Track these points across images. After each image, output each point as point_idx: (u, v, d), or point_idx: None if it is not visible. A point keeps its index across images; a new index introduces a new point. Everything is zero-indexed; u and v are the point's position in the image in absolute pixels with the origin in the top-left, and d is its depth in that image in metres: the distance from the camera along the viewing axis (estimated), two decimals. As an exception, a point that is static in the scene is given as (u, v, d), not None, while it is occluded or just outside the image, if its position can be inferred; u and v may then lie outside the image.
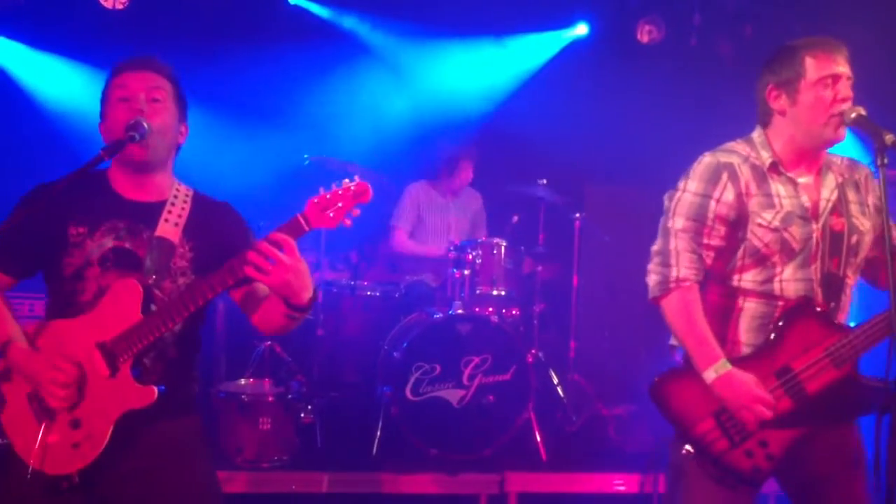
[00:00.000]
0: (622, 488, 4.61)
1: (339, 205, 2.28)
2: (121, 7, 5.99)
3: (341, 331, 5.64)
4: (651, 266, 2.79)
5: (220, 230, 2.57)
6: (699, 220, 2.72)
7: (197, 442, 2.58)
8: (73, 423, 2.35)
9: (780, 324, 2.66)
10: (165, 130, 2.48)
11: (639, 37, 6.75)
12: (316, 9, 6.54)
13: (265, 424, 4.53)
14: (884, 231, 2.65)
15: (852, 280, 2.76)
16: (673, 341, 2.83)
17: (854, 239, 2.72)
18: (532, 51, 6.92)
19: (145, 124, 2.39)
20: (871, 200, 2.79)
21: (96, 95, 2.53)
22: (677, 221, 2.74)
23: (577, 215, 5.87)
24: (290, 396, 4.70)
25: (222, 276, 2.32)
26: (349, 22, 6.62)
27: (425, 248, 6.06)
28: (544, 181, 5.89)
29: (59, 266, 2.44)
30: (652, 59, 6.66)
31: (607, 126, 6.52)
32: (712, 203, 2.71)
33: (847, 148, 2.87)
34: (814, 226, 2.68)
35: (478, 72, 6.91)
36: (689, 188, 2.76)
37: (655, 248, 2.79)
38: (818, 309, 2.66)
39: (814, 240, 2.67)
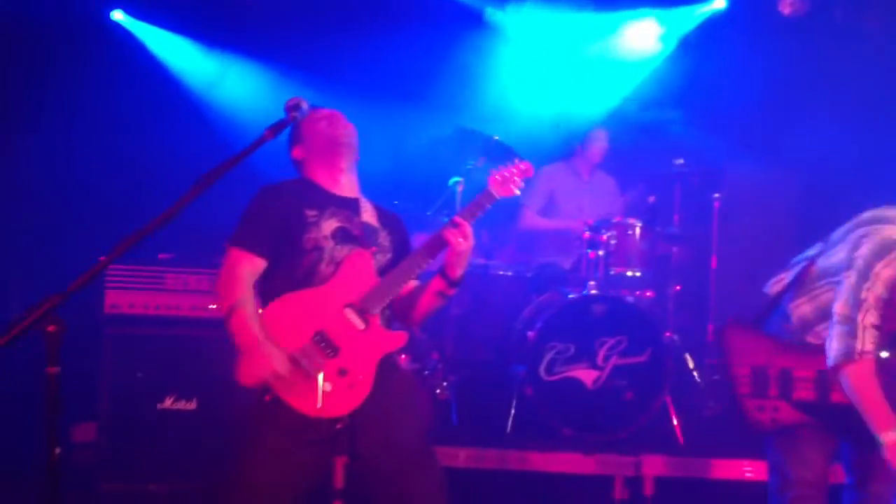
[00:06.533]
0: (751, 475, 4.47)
1: (516, 178, 3.04)
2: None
3: (474, 310, 5.66)
4: (835, 331, 2.85)
5: (398, 229, 3.18)
6: (887, 297, 2.81)
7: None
8: (340, 372, 2.80)
9: None
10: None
11: (780, 8, 6.47)
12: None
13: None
14: None
15: None
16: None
17: None
18: (668, 27, 6.74)
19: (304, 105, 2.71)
20: None
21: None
22: (873, 293, 2.80)
23: (717, 195, 5.72)
24: (426, 373, 4.79)
25: (431, 244, 2.93)
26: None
27: (554, 222, 5.92)
28: (681, 161, 5.77)
29: (300, 242, 2.90)
30: (794, 33, 6.40)
31: (747, 104, 6.31)
32: None
33: None
34: None
35: (615, 49, 6.80)
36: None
37: (842, 310, 2.84)
38: None
39: None
